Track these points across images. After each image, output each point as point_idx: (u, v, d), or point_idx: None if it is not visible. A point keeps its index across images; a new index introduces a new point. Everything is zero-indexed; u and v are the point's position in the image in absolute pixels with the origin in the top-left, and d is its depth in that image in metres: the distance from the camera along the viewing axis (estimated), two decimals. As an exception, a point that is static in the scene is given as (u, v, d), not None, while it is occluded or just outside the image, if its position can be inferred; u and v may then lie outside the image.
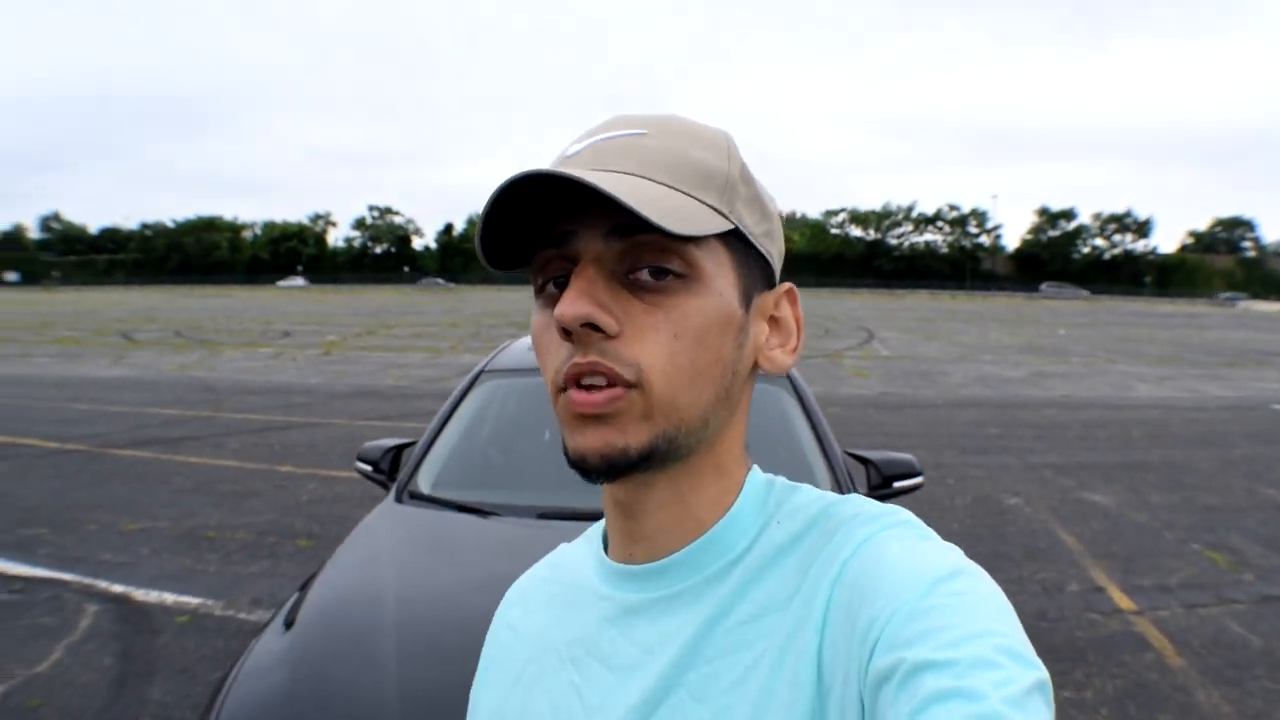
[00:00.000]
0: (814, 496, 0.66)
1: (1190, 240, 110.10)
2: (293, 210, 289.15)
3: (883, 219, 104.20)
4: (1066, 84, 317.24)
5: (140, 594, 4.89)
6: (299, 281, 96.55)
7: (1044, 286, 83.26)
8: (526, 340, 3.72)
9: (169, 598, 4.83)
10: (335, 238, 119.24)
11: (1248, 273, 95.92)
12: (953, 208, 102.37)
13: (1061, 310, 51.55)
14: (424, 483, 3.09)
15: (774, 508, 0.65)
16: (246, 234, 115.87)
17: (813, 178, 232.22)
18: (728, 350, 0.62)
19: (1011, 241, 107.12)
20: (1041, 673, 0.48)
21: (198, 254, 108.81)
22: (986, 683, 0.46)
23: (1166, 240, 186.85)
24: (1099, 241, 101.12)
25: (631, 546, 0.66)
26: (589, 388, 0.58)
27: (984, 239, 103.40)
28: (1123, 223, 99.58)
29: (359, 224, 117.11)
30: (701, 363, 0.60)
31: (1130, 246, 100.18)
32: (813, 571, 0.59)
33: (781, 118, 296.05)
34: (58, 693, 3.78)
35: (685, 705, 0.60)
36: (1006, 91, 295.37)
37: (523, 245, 0.62)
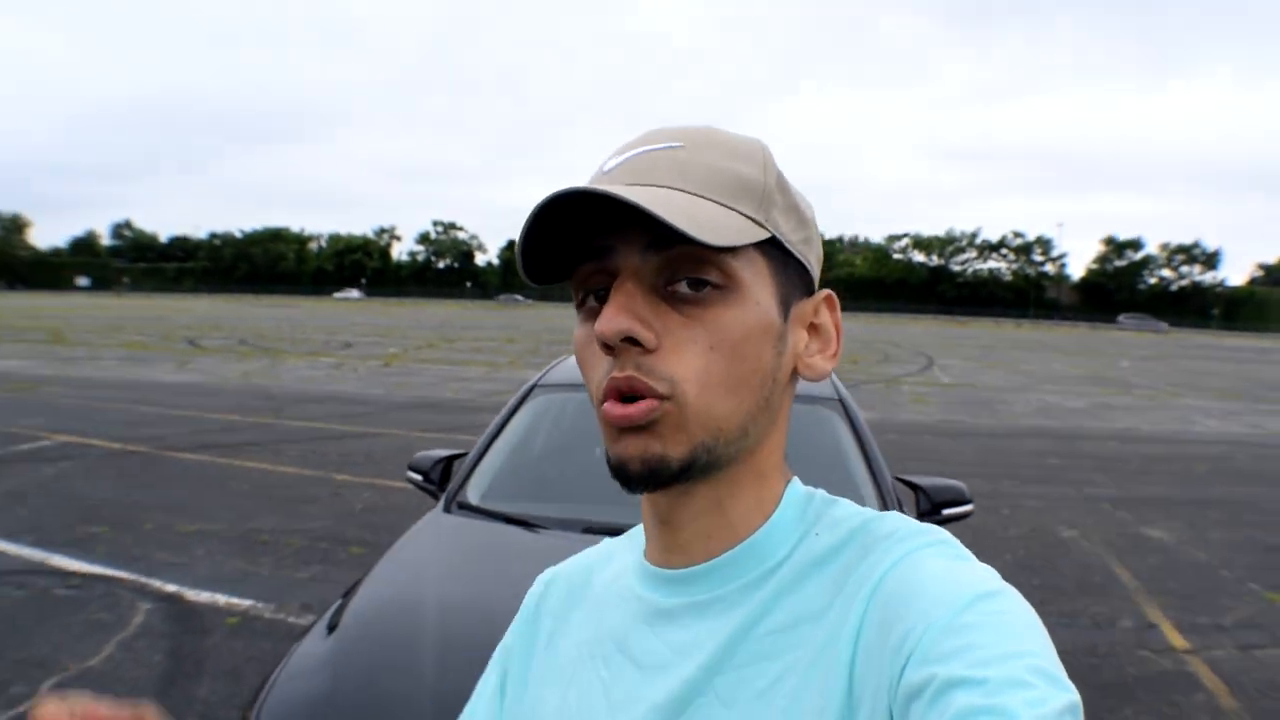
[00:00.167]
0: (853, 511, 0.66)
1: (1260, 273, 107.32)
2: (358, 223, 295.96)
3: (946, 245, 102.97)
4: (1135, 113, 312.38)
5: (192, 594, 4.97)
6: (354, 293, 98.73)
7: (1121, 318, 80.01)
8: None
9: (221, 599, 4.91)
10: (399, 251, 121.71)
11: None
12: (1017, 235, 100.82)
13: (1126, 341, 50.39)
14: (473, 494, 3.12)
15: (813, 519, 0.66)
16: (312, 246, 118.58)
17: (876, 203, 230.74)
18: (767, 359, 0.62)
19: (1077, 271, 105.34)
20: (1074, 695, 0.48)
21: (264, 264, 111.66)
22: (1018, 702, 0.46)
23: (1235, 272, 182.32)
24: (1166, 272, 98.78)
25: (669, 552, 0.67)
26: (626, 400, 0.59)
27: (1049, 267, 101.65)
28: (1190, 254, 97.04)
29: (423, 238, 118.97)
30: (739, 373, 0.61)
31: (1198, 278, 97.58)
32: (848, 585, 0.59)
33: (846, 143, 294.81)
34: (107, 687, 3.84)
35: (713, 709, 0.60)
36: (1074, 119, 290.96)
37: (564, 259, 0.63)
